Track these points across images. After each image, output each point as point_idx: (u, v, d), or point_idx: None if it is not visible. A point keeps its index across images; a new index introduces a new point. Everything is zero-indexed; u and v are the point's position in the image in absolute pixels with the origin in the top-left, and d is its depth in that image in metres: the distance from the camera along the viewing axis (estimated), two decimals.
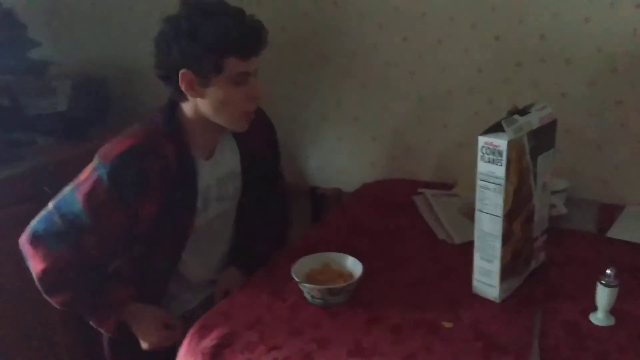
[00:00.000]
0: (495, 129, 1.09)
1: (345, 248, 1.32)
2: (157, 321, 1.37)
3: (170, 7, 1.60)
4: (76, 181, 1.28)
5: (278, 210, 1.64)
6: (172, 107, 1.34)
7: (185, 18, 1.22)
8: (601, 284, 1.09)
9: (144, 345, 1.35)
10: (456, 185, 1.77)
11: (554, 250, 1.34)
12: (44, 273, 1.28)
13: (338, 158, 2.00)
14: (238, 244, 1.54)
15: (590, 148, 1.63)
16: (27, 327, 1.79)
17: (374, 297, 1.22)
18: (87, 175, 1.26)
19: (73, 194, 1.26)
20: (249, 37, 1.25)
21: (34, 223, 1.31)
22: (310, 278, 1.22)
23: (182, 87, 1.25)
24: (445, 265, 1.34)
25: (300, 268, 1.23)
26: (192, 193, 1.35)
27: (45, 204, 1.61)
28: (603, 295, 1.09)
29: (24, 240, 1.31)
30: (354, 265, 1.25)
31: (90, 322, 1.36)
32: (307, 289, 1.19)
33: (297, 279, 1.19)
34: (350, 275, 1.23)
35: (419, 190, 1.75)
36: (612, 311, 1.10)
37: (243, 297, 1.25)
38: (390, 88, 1.84)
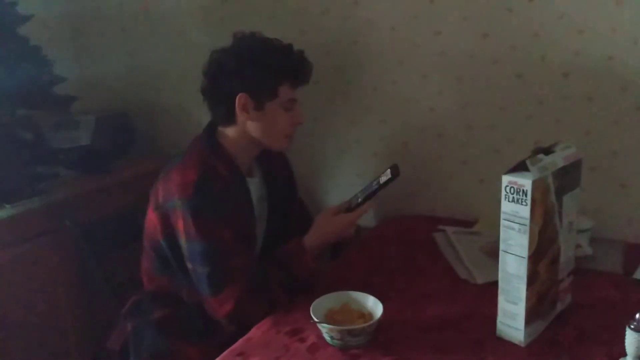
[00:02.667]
0: (520, 168, 1.08)
1: (364, 286, 1.30)
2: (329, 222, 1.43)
3: (193, 46, 1.64)
4: (182, 236, 1.33)
5: None
6: (211, 133, 1.46)
7: (247, 49, 1.39)
8: (630, 328, 1.05)
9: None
10: (477, 223, 1.75)
11: (579, 292, 1.31)
12: (230, 314, 1.31)
13: None
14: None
15: (614, 187, 1.60)
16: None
17: (394, 338, 1.19)
18: (184, 219, 1.31)
19: (190, 241, 1.32)
20: (303, 67, 1.44)
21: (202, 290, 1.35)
22: (329, 318, 1.20)
23: (238, 109, 1.39)
24: (468, 306, 1.31)
25: (318, 307, 1.21)
26: (250, 208, 1.45)
27: (66, 237, 1.63)
28: (632, 340, 1.05)
29: (208, 309, 1.36)
30: (374, 305, 1.22)
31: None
32: (326, 329, 1.16)
33: (315, 319, 1.17)
34: (370, 315, 1.21)
35: (440, 227, 1.73)
36: None
37: (261, 336, 1.23)
38: (410, 124, 1.84)
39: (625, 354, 1.07)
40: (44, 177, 1.89)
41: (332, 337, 1.16)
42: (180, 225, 1.33)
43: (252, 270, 1.34)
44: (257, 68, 1.37)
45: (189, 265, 1.35)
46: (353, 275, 1.49)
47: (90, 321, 1.86)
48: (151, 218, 1.42)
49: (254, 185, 1.49)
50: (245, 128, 1.43)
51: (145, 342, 1.41)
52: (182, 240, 1.34)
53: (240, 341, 1.22)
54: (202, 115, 1.51)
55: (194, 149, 1.43)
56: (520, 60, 1.62)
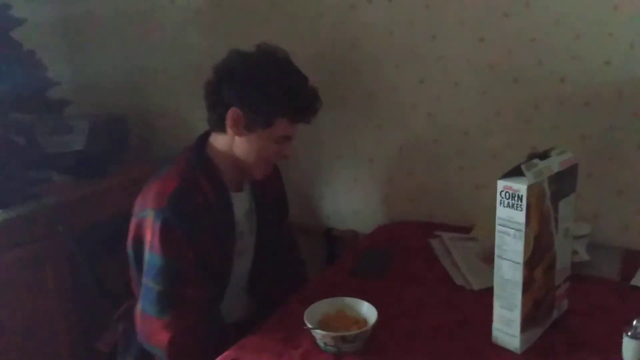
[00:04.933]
0: (515, 173, 1.06)
1: (359, 292, 1.28)
2: None
3: (188, 50, 1.62)
4: (147, 246, 1.29)
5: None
6: (202, 144, 1.40)
7: (262, 67, 1.32)
8: (627, 335, 1.04)
9: None
10: (474, 229, 1.74)
11: (576, 299, 1.29)
12: (170, 343, 1.26)
13: (353, 199, 1.98)
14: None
15: (611, 193, 1.59)
16: None
17: (389, 345, 1.18)
18: (152, 230, 1.27)
19: (151, 253, 1.28)
20: (307, 105, 1.37)
21: (139, 303, 1.31)
22: (323, 324, 1.19)
23: (227, 122, 1.32)
24: (464, 313, 1.30)
25: (313, 313, 1.20)
26: (230, 224, 1.39)
27: (59, 242, 1.60)
28: (630, 347, 1.04)
29: (139, 326, 1.32)
30: (368, 312, 1.21)
31: None
32: (320, 335, 1.15)
33: (309, 325, 1.16)
34: (365, 321, 1.19)
35: (436, 233, 1.72)
36: None
37: (254, 342, 1.22)
38: (406, 129, 1.83)
39: None
40: (36, 182, 1.88)
41: (325, 344, 1.15)
42: (148, 235, 1.28)
43: (204, 306, 1.30)
44: (261, 93, 1.30)
45: (143, 278, 1.30)
46: (349, 280, 1.47)
47: (83, 327, 1.84)
48: (130, 227, 1.38)
49: (240, 199, 1.44)
50: (233, 141, 1.37)
51: (133, 346, 1.39)
52: (146, 252, 1.29)
53: (232, 348, 1.21)
54: (198, 120, 1.50)
55: (181, 159, 1.38)
56: (517, 65, 1.61)
